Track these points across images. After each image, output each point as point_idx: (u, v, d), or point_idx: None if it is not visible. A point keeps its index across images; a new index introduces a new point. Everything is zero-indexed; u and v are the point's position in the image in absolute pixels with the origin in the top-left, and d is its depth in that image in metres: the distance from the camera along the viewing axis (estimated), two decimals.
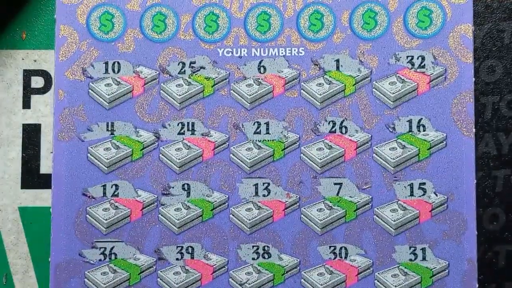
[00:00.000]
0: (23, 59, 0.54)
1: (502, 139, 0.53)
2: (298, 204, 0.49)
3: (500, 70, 0.53)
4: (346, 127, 0.49)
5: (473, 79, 0.49)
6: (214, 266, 0.49)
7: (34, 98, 0.53)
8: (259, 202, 0.49)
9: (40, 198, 0.53)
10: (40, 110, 0.53)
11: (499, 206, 0.53)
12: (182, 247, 0.49)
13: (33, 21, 0.54)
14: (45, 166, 0.53)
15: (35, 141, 0.53)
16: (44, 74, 0.53)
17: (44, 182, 0.53)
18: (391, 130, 0.49)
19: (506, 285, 0.52)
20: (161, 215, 0.49)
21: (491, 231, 0.53)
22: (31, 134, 0.53)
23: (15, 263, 0.53)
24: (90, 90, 0.49)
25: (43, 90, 0.53)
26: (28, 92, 0.53)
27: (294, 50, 0.49)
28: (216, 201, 0.49)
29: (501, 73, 0.53)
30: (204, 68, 0.49)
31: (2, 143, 0.53)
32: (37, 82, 0.53)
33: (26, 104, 0.53)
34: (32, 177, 0.53)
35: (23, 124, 0.53)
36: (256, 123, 0.49)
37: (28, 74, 0.54)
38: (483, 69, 0.53)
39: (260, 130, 0.49)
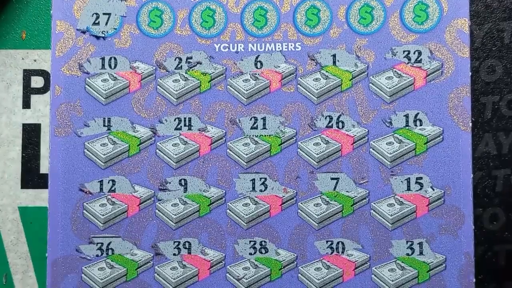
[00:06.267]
0: (23, 59, 0.54)
1: (502, 139, 0.53)
2: (295, 199, 0.49)
3: (500, 70, 0.53)
4: (342, 122, 0.49)
5: (470, 73, 0.49)
6: (211, 261, 0.49)
7: (34, 98, 0.54)
8: (256, 197, 0.49)
9: (40, 198, 0.53)
10: (40, 110, 0.53)
11: (499, 206, 0.52)
12: (179, 242, 0.49)
13: (33, 20, 0.54)
14: (45, 166, 0.53)
15: (35, 141, 0.53)
16: (44, 74, 0.54)
17: (44, 182, 0.53)
18: (387, 125, 0.49)
19: (505, 285, 0.52)
20: (158, 211, 0.49)
21: (491, 231, 0.52)
22: (31, 134, 0.53)
23: (15, 263, 0.53)
24: (86, 86, 0.49)
25: (43, 90, 0.54)
26: (28, 92, 0.54)
27: (291, 45, 0.49)
28: (213, 196, 0.49)
29: (501, 73, 0.53)
30: (200, 63, 0.49)
31: (2, 143, 0.53)
32: (37, 82, 0.54)
33: (26, 104, 0.54)
34: (32, 177, 0.53)
35: (23, 124, 0.54)
36: (253, 118, 0.49)
37: (28, 74, 0.54)
38: (483, 69, 0.53)
39: (257, 125, 0.49)
